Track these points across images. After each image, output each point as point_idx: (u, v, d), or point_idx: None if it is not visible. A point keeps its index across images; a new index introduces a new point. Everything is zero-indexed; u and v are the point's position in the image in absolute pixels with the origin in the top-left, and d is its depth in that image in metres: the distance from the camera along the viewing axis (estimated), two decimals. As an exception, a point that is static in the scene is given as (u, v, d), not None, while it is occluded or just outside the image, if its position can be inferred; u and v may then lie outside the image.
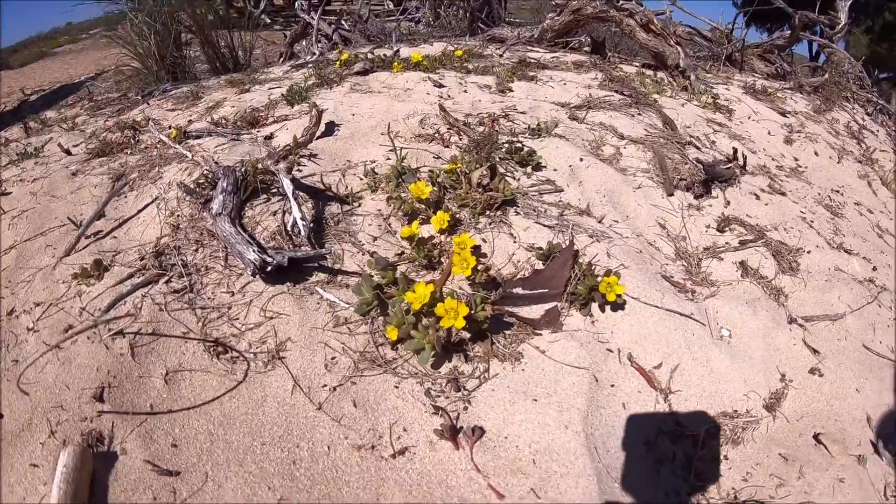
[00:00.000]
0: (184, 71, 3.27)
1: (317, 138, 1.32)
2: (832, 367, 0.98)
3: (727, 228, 1.22)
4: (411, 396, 0.79)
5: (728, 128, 2.13)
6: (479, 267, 0.89)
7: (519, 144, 1.29)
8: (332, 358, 0.81)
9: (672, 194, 1.28)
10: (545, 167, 1.26)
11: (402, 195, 1.01)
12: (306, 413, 0.77)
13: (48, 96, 7.03)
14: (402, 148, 1.23)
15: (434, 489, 0.69)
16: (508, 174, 1.22)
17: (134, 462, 0.66)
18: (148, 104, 2.53)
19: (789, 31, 3.65)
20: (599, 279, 0.88)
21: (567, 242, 0.99)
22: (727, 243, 1.20)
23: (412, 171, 1.11)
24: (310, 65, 2.58)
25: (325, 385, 0.80)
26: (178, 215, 1.03)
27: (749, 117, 2.39)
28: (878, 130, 2.96)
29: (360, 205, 1.07)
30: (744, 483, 0.77)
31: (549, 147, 1.35)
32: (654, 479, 0.72)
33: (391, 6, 4.21)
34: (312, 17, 3.35)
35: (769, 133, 2.26)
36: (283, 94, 1.84)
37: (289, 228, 0.92)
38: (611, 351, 0.86)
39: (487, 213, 1.04)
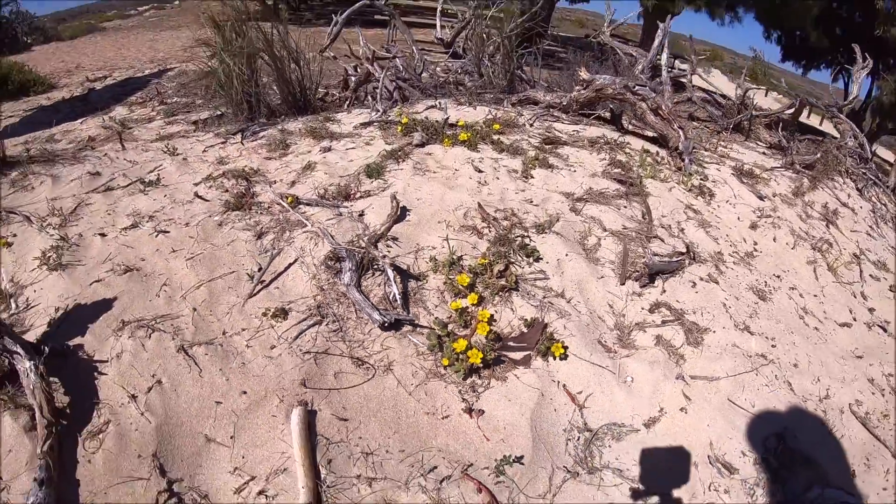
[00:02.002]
0: (257, 99, 3.93)
1: (394, 221, 2.16)
2: (696, 409, 1.75)
3: (656, 311, 2.01)
4: (452, 393, 1.63)
5: (702, 214, 2.87)
6: (491, 329, 1.71)
7: (527, 241, 2.10)
8: (414, 371, 1.59)
9: (624, 283, 2.06)
10: (542, 259, 2.06)
11: (452, 279, 1.83)
12: (403, 396, 1.60)
13: (114, 88, 7.45)
14: (451, 238, 2.06)
15: (459, 434, 1.52)
16: (516, 263, 2.02)
17: (324, 414, 1.46)
18: (243, 143, 3.27)
19: (793, 108, 4.40)
20: (554, 342, 1.70)
21: (542, 318, 1.80)
22: (653, 321, 1.98)
23: (458, 259, 1.93)
24: (375, 122, 3.37)
25: (412, 384, 1.61)
26: (318, 278, 1.85)
27: (727, 201, 3.10)
28: (861, 207, 3.55)
29: (426, 281, 1.88)
30: (616, 461, 1.58)
31: (548, 243, 2.14)
32: (564, 448, 1.53)
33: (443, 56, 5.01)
34: (376, 69, 4.18)
35: (738, 218, 2.97)
36: (363, 168, 2.66)
37: (390, 299, 1.73)
38: (554, 381, 1.64)
39: (500, 293, 1.85)
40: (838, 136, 4.62)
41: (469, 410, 1.52)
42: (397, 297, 1.71)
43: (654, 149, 3.30)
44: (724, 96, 4.75)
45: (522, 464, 1.43)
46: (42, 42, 19.27)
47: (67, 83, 8.56)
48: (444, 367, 1.62)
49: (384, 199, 2.27)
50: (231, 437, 1.46)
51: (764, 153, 3.92)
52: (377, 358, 1.64)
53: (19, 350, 1.60)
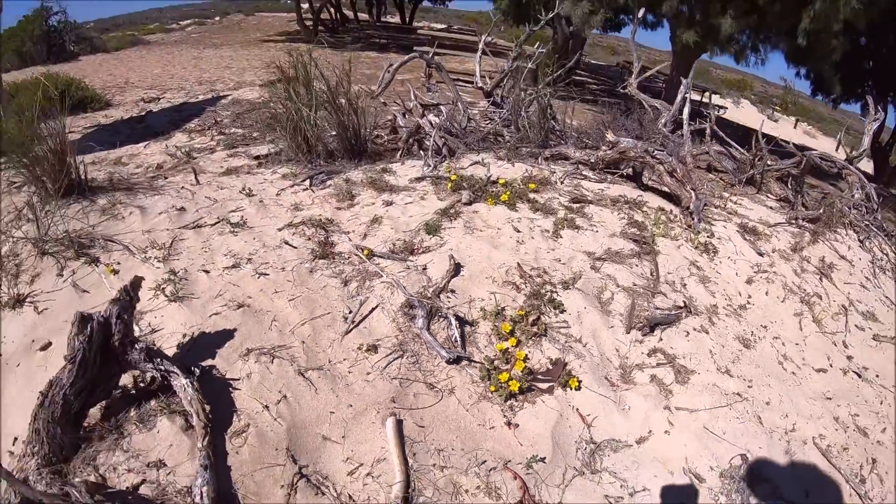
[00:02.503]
0: (316, 140, 4.50)
1: (451, 276, 2.85)
2: (677, 433, 2.37)
3: (653, 355, 2.66)
4: (496, 411, 2.23)
5: (704, 271, 3.47)
6: (526, 366, 2.39)
7: (555, 295, 2.77)
8: (470, 395, 2.20)
9: (629, 332, 2.72)
10: (565, 311, 2.73)
11: (497, 326, 2.50)
12: (462, 411, 2.20)
13: (170, 112, 7.97)
14: (496, 292, 2.74)
15: (501, 440, 2.12)
16: (546, 314, 2.69)
17: (408, 423, 2.09)
18: (313, 191, 3.88)
19: (801, 166, 5.01)
20: (571, 377, 2.36)
21: (563, 358, 2.46)
22: (649, 363, 2.62)
23: (502, 310, 2.61)
24: (427, 178, 4.03)
25: (468, 403, 2.22)
26: (397, 321, 2.50)
27: (729, 257, 3.72)
28: (860, 259, 4.06)
29: (478, 326, 2.52)
30: (612, 466, 2.24)
31: (571, 297, 2.79)
32: (575, 454, 2.19)
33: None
34: (426, 124, 4.88)
35: (736, 274, 3.59)
36: (422, 224, 3.32)
37: (451, 340, 2.40)
38: (570, 406, 2.29)
39: (533, 338, 2.53)
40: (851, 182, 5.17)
41: (508, 424, 2.19)
42: (457, 339, 2.39)
43: (668, 206, 3.91)
44: (739, 150, 5.36)
45: (545, 462, 2.08)
46: (89, 52, 20.26)
47: (121, 101, 9.21)
48: (491, 392, 2.27)
49: (442, 255, 2.95)
50: (342, 437, 2.07)
51: (771, 207, 4.52)
52: (444, 384, 2.29)
53: (175, 369, 2.11)
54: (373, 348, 2.35)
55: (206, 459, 1.90)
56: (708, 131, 5.43)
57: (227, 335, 2.50)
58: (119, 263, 3.16)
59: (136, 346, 2.17)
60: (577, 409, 2.31)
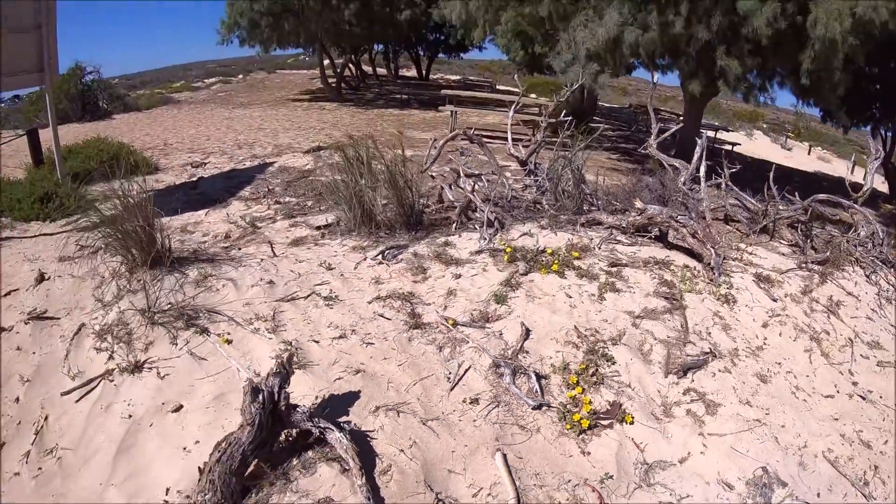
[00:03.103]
0: (378, 213, 5.17)
1: (524, 340, 3.73)
2: (710, 453, 3.09)
3: (687, 394, 3.49)
4: (573, 443, 2.96)
5: (725, 320, 4.15)
6: (591, 408, 3.25)
7: (606, 350, 3.63)
8: (552, 432, 2.95)
9: (667, 376, 3.56)
10: (616, 363, 3.59)
11: (566, 378, 3.38)
12: (547, 445, 2.95)
13: (221, 179, 8.48)
14: (560, 351, 3.62)
15: (579, 464, 2.90)
16: (601, 366, 3.53)
17: (510, 456, 2.84)
18: (387, 265, 4.48)
19: (808, 213, 5.84)
20: (626, 415, 3.23)
21: (618, 401, 3.33)
22: (685, 400, 3.42)
23: (567, 365, 3.49)
24: (485, 251, 4.77)
25: (551, 438, 2.98)
26: (488, 379, 3.27)
27: (746, 304, 4.41)
28: (866, 293, 4.67)
29: (550, 379, 3.30)
30: (662, 480, 3.09)
31: (619, 351, 3.60)
32: (633, 472, 3.04)
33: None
34: (477, 199, 5.75)
35: (753, 319, 4.27)
36: (491, 295, 4.10)
37: (533, 391, 3.22)
38: (627, 437, 2.99)
39: (593, 386, 3.40)
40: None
41: (583, 452, 3.00)
42: (537, 389, 3.23)
43: (692, 263, 4.64)
44: (752, 202, 6.22)
45: (612, 479, 2.86)
46: (121, 111, 21.45)
47: (167, 164, 9.88)
48: (567, 429, 3.05)
49: (512, 321, 3.75)
50: (463, 469, 2.69)
51: (783, 254, 5.32)
52: (531, 425, 3.03)
53: (330, 426, 2.64)
54: (475, 401, 3.17)
55: (367, 493, 2.43)
56: (723, 185, 6.32)
57: (353, 396, 3.09)
58: (229, 334, 3.66)
59: (297, 409, 2.74)
60: (632, 439, 3.13)
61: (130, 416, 3.16)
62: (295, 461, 2.69)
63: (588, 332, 3.74)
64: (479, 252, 4.71)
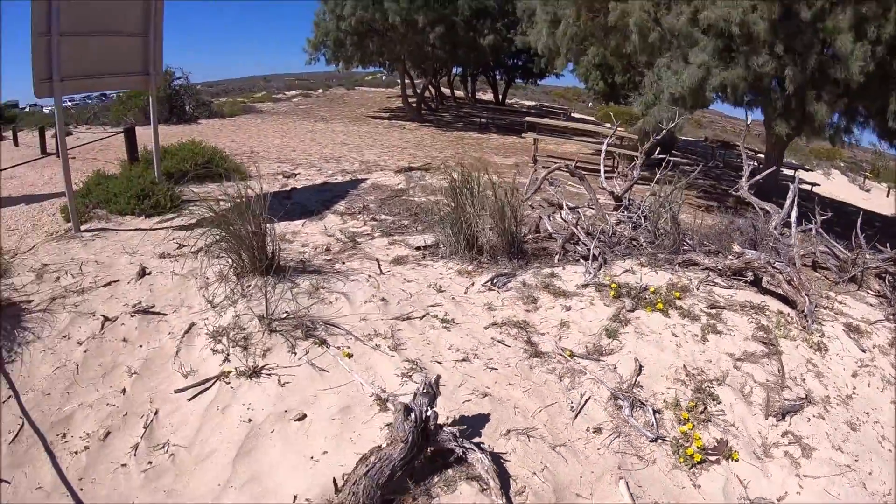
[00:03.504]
0: (480, 235, 5.55)
1: (637, 375, 4.02)
2: (805, 493, 3.23)
3: (785, 436, 3.71)
4: (685, 475, 3.17)
5: (817, 367, 4.29)
6: (701, 444, 3.53)
7: (712, 390, 3.88)
8: (666, 463, 3.22)
9: (767, 419, 3.82)
10: (721, 402, 3.85)
11: (678, 414, 3.66)
12: (663, 475, 3.18)
13: (314, 191, 8.69)
14: (669, 388, 3.90)
15: (692, 494, 3.11)
16: (708, 405, 3.82)
17: (631, 483, 3.09)
18: (499, 292, 4.81)
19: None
20: (732, 452, 3.50)
21: (725, 439, 3.60)
22: (783, 442, 3.62)
23: (677, 402, 3.77)
24: (591, 285, 5.13)
25: (666, 470, 3.22)
26: (607, 410, 3.52)
27: (837, 353, 4.54)
28: None
29: (663, 414, 3.54)
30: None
31: (724, 392, 3.77)
32: (724, 486, 3.32)
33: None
34: (580, 232, 6.07)
35: (843, 369, 4.38)
36: (603, 329, 4.36)
37: (650, 424, 3.52)
38: (733, 473, 3.11)
39: (702, 423, 3.66)
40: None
41: (694, 485, 3.30)
42: (654, 423, 3.53)
43: (785, 309, 4.80)
44: (841, 250, 6.35)
45: None
46: (206, 116, 22.29)
47: (257, 172, 9.75)
48: (680, 462, 3.31)
49: (623, 356, 3.97)
50: (591, 494, 2.81)
51: (871, 304, 5.49)
52: (648, 456, 3.13)
53: (471, 447, 2.77)
54: (598, 430, 3.41)
55: (510, 512, 2.61)
56: (813, 231, 6.47)
57: (483, 418, 3.22)
58: (349, 347, 3.79)
59: (443, 428, 2.86)
60: (737, 475, 3.35)
61: (250, 420, 3.26)
62: (436, 478, 2.79)
63: (695, 371, 3.97)
64: (585, 286, 4.96)
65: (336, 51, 23.32)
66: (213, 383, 3.55)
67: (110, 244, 5.82)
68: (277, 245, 4.78)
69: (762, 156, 14.42)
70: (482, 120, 25.29)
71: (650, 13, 11.04)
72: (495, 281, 4.92)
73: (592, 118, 32.38)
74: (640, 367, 3.95)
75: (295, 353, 3.77)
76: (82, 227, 6.32)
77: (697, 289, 5.02)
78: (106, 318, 4.16)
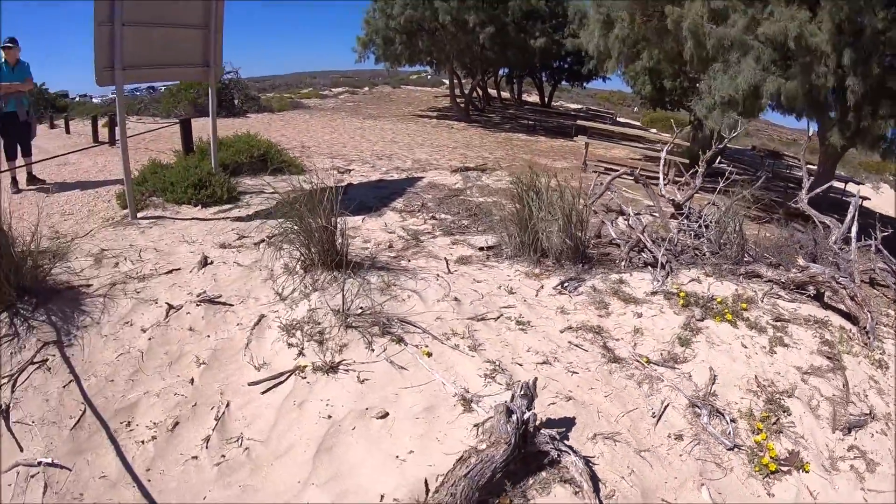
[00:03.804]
0: (547, 238, 5.71)
1: (712, 383, 4.15)
2: (874, 498, 3.61)
3: (851, 451, 3.79)
4: (760, 483, 3.26)
5: (879, 384, 4.51)
6: (774, 453, 3.67)
7: (782, 401, 3.99)
8: (742, 472, 3.34)
9: (834, 432, 3.90)
10: (791, 414, 3.96)
11: (752, 424, 3.79)
12: (738, 483, 3.27)
13: (370, 188, 8.66)
14: (743, 398, 4.02)
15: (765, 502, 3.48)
16: (780, 417, 3.96)
17: (712, 491, 3.21)
18: (570, 296, 4.89)
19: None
20: (804, 463, 3.62)
21: (797, 450, 3.71)
22: (849, 456, 3.63)
23: (751, 412, 3.89)
24: (659, 292, 5.34)
25: (742, 478, 3.31)
26: (686, 417, 3.56)
27: None
28: None
29: (738, 423, 3.61)
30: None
31: (793, 404, 3.90)
32: (795, 496, 3.44)
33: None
34: (647, 240, 6.17)
35: None
36: (675, 337, 4.40)
37: (726, 433, 3.66)
38: (802, 483, 3.18)
39: (774, 434, 3.79)
40: None
41: (768, 494, 3.34)
42: (731, 432, 3.65)
43: (847, 325, 4.85)
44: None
45: None
46: (255, 111, 22.57)
47: (310, 167, 9.68)
48: (755, 471, 3.35)
49: (698, 365, 4.00)
50: (675, 499, 2.86)
51: (927, 327, 5.57)
52: (726, 464, 3.16)
53: (567, 449, 2.82)
54: (679, 437, 3.47)
55: (606, 513, 2.67)
56: (873, 248, 6.49)
57: (569, 422, 3.24)
58: (427, 346, 3.77)
59: (541, 430, 2.90)
60: (807, 486, 3.45)
61: (330, 416, 3.21)
62: (531, 480, 2.78)
63: (766, 383, 4.06)
64: (653, 293, 5.05)
65: (385, 49, 23.29)
66: (288, 377, 3.50)
67: (168, 232, 5.84)
68: (347, 240, 4.70)
69: (812, 167, 14.26)
70: (530, 122, 25.21)
71: (704, 17, 10.94)
72: (566, 285, 4.97)
73: (638, 122, 32.16)
74: (714, 376, 4.06)
75: (372, 350, 3.74)
76: (138, 215, 6.38)
77: (762, 301, 5.08)
78: (170, 307, 4.14)
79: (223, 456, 3.03)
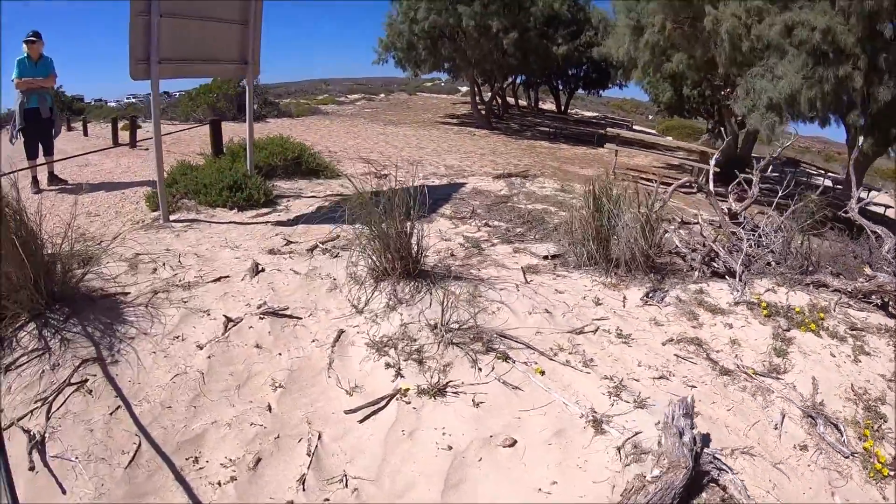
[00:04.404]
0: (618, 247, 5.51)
1: (815, 393, 4.30)
2: None
3: None
4: (874, 488, 3.16)
5: None
6: (884, 458, 3.84)
7: (878, 408, 4.20)
8: (859, 479, 3.43)
9: (916, 441, 4.11)
10: (888, 421, 4.13)
11: (858, 432, 3.98)
12: (860, 488, 3.20)
13: (411, 195, 8.53)
14: (845, 407, 4.19)
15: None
16: (878, 424, 4.14)
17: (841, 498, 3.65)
18: (659, 307, 4.76)
19: None
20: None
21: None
22: None
23: (854, 419, 4.09)
24: (742, 303, 5.35)
25: (861, 483, 3.22)
26: (802, 427, 3.64)
27: None
28: None
29: (846, 429, 3.78)
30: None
31: (888, 411, 4.14)
32: None
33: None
34: (720, 249, 6.34)
35: None
36: (771, 348, 4.47)
37: (839, 441, 3.86)
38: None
39: (877, 440, 4.00)
40: None
41: (883, 498, 3.56)
42: (846, 440, 3.75)
43: None
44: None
45: None
46: (275, 116, 22.53)
47: (346, 171, 9.67)
48: (870, 477, 3.39)
49: (798, 375, 3.95)
50: None
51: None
52: (846, 471, 3.07)
53: (725, 468, 2.79)
54: (804, 447, 3.46)
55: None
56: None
57: (704, 438, 3.10)
58: (536, 363, 3.56)
59: (703, 451, 2.85)
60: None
61: (450, 447, 2.86)
62: (694, 501, 2.68)
63: (860, 391, 4.22)
64: (736, 304, 5.18)
65: (407, 53, 23.10)
66: (388, 402, 3.15)
67: (205, 236, 5.58)
68: (423, 247, 4.37)
69: (832, 175, 14.33)
70: (550, 129, 25.15)
71: (741, 19, 10.94)
72: (651, 295, 4.95)
73: (653, 130, 32.08)
74: (816, 386, 4.24)
75: (480, 370, 3.44)
76: (171, 218, 6.13)
77: (834, 310, 5.24)
78: (229, 319, 3.75)
79: (327, 500, 2.59)
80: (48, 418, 2.84)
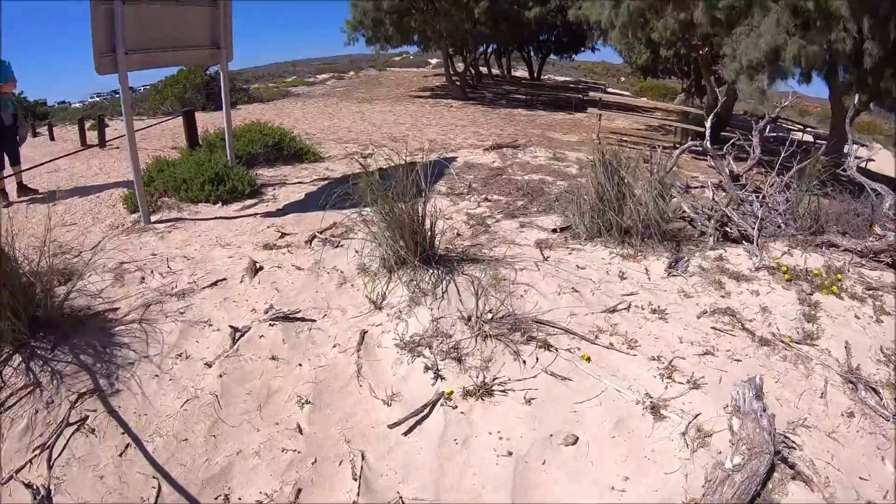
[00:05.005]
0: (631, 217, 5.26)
1: (849, 357, 4.24)
2: None
3: None
4: None
5: None
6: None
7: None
8: None
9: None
10: None
11: (894, 394, 3.99)
12: None
13: (400, 174, 8.15)
14: (878, 370, 4.09)
15: None
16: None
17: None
18: (685, 277, 4.53)
19: None
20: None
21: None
22: None
23: (891, 381, 4.08)
24: (762, 268, 5.10)
25: None
26: (845, 391, 3.31)
27: None
28: None
29: (883, 393, 3.96)
30: None
31: None
32: None
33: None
34: (734, 214, 6.26)
35: None
36: (800, 312, 4.07)
37: (882, 404, 3.91)
38: None
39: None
40: None
41: None
42: (887, 404, 3.70)
43: None
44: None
45: None
46: (245, 101, 21.97)
47: (328, 154, 9.35)
48: None
49: (830, 340, 3.74)
50: (868, 475, 2.62)
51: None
52: (889, 434, 2.88)
53: (794, 445, 2.67)
54: (850, 414, 3.25)
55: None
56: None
57: (771, 418, 2.87)
58: (579, 349, 3.30)
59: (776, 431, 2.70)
60: None
61: (510, 452, 2.63)
62: (769, 484, 2.53)
63: (889, 352, 4.17)
64: (757, 269, 5.06)
65: (375, 30, 22.46)
66: (431, 409, 2.83)
67: (192, 236, 5.12)
68: (437, 229, 3.93)
69: (810, 129, 14.22)
70: (525, 97, 24.75)
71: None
72: (674, 265, 4.76)
73: (627, 92, 31.75)
74: (849, 350, 4.20)
75: (524, 362, 3.14)
76: (152, 218, 5.66)
77: (848, 271, 5.19)
78: (235, 330, 3.32)
79: (387, 527, 2.17)
80: (50, 467, 2.44)
